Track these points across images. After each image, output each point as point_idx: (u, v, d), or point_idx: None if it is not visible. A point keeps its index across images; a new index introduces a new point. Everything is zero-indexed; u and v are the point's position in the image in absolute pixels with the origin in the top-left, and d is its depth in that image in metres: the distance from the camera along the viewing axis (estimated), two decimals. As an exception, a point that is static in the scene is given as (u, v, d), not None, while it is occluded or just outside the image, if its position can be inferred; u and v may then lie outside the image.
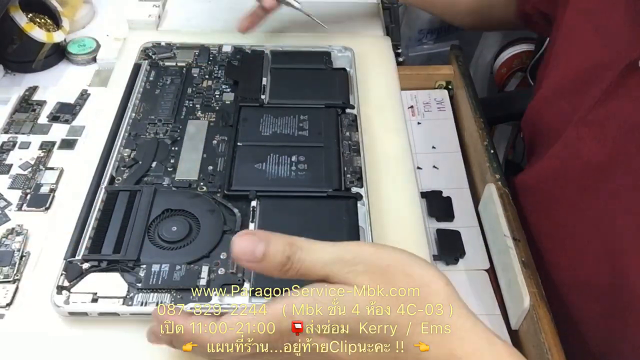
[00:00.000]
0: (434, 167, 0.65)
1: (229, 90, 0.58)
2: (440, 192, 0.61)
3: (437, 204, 0.60)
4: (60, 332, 0.42)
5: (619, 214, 0.47)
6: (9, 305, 0.45)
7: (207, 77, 0.59)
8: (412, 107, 0.71)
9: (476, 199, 0.61)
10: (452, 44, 0.77)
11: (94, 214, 0.46)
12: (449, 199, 0.61)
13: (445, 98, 0.72)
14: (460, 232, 0.57)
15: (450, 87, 0.73)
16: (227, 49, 0.62)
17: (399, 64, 0.67)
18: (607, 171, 0.48)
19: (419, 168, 0.64)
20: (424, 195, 0.61)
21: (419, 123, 0.69)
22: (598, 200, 0.49)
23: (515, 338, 0.51)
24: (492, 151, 0.61)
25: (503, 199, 0.56)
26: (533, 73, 1.02)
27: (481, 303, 0.53)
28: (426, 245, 0.48)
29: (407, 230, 0.49)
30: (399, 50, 0.70)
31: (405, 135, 0.56)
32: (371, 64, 0.63)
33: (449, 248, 0.56)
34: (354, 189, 0.49)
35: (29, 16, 0.64)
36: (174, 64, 0.61)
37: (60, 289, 0.41)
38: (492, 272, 0.55)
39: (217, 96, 0.57)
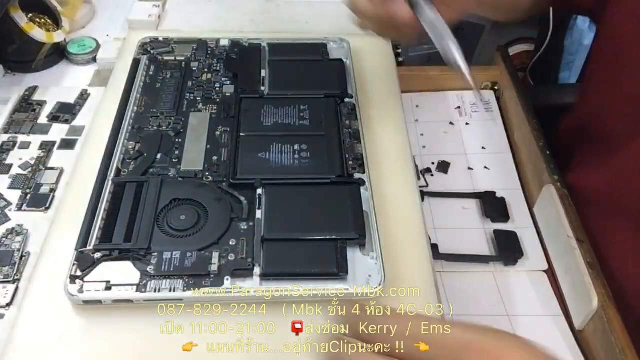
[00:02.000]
0: (485, 167, 0.65)
1: (229, 82, 0.59)
2: (494, 192, 0.62)
3: (492, 205, 0.61)
4: (74, 321, 0.42)
5: None
6: (9, 305, 0.45)
7: (206, 70, 0.60)
8: (459, 107, 0.71)
9: (529, 200, 0.62)
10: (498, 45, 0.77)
11: (103, 205, 0.47)
12: (503, 199, 0.61)
13: (492, 99, 0.73)
14: (517, 233, 0.58)
15: (496, 87, 0.74)
16: (224, 42, 0.63)
17: (399, 64, 0.67)
18: None
19: (469, 169, 0.65)
20: (478, 195, 0.62)
21: (467, 124, 0.70)
22: None
23: (581, 339, 0.51)
24: (547, 152, 0.61)
25: (563, 200, 0.56)
26: (533, 73, 1.03)
27: (542, 304, 0.53)
28: (427, 246, 0.48)
29: (408, 229, 0.49)
30: (399, 50, 0.70)
31: (405, 135, 0.57)
32: (371, 64, 0.64)
33: (507, 249, 0.57)
34: (357, 175, 0.50)
35: (29, 16, 0.64)
36: (172, 58, 0.61)
37: (73, 278, 0.42)
38: (550, 273, 0.55)
39: (217, 89, 0.58)
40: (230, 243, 0.45)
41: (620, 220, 0.55)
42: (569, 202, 0.56)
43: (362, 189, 0.49)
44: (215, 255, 0.44)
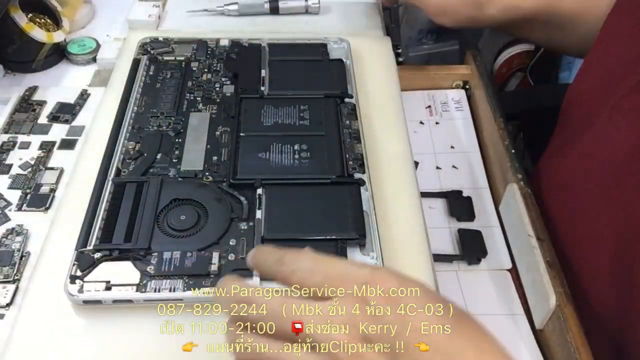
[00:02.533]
0: (454, 167, 0.65)
1: (229, 82, 0.59)
2: (461, 191, 0.62)
3: (458, 204, 0.61)
4: (74, 321, 0.42)
5: None
6: (9, 305, 0.45)
7: (206, 70, 0.60)
8: (429, 107, 0.71)
9: (496, 199, 0.62)
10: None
11: (103, 205, 0.47)
12: (469, 198, 0.61)
13: (463, 98, 0.72)
14: (481, 232, 0.58)
15: (467, 86, 0.74)
16: (224, 42, 0.63)
17: (399, 63, 0.67)
18: (636, 158, 0.48)
19: (438, 168, 0.65)
20: (444, 195, 0.62)
21: (437, 123, 0.70)
22: (626, 189, 0.49)
23: (540, 338, 0.51)
24: (513, 151, 0.61)
25: (526, 198, 0.56)
26: (533, 73, 1.04)
27: (504, 303, 0.53)
28: (427, 246, 0.48)
29: (408, 229, 0.49)
30: (399, 50, 0.70)
31: (405, 135, 0.57)
32: (371, 64, 0.64)
33: (471, 248, 0.57)
34: (357, 175, 0.50)
35: (29, 16, 0.64)
36: (172, 58, 0.61)
37: (73, 278, 0.42)
38: (514, 271, 0.55)
39: (217, 89, 0.58)
40: (230, 243, 0.45)
41: (577, 213, 0.55)
42: (532, 201, 0.56)
43: (362, 189, 0.49)
44: (215, 255, 0.44)
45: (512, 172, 0.59)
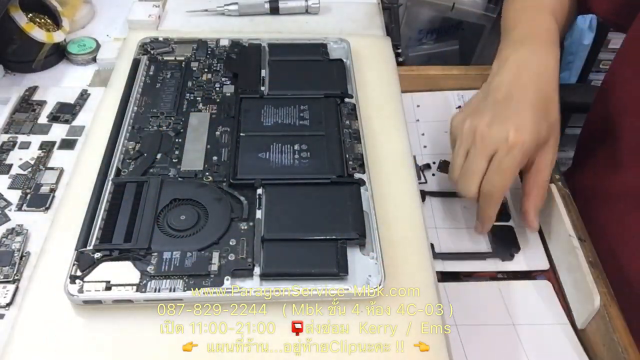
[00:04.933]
0: None
1: (229, 82, 0.59)
2: None
3: None
4: (74, 321, 0.42)
5: None
6: (9, 305, 0.45)
7: (206, 70, 0.60)
8: (460, 107, 0.70)
9: None
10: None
11: (103, 205, 0.47)
12: (504, 199, 0.61)
13: None
14: (513, 227, 0.58)
15: None
16: (224, 42, 0.63)
17: (399, 64, 0.67)
18: None
19: None
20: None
21: None
22: None
23: (583, 337, 0.51)
24: None
25: (565, 199, 0.56)
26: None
27: (543, 305, 0.53)
28: (427, 246, 0.48)
29: (408, 229, 0.49)
30: (399, 50, 0.70)
31: (405, 135, 0.57)
32: (371, 64, 0.64)
33: (503, 244, 0.56)
34: (357, 175, 0.50)
35: (29, 16, 0.65)
36: (172, 58, 0.61)
37: (73, 278, 0.42)
38: (551, 272, 0.55)
39: (217, 89, 0.58)
40: (230, 243, 0.45)
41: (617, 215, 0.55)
42: (571, 202, 0.56)
43: (362, 189, 0.49)
44: (215, 255, 0.44)
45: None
